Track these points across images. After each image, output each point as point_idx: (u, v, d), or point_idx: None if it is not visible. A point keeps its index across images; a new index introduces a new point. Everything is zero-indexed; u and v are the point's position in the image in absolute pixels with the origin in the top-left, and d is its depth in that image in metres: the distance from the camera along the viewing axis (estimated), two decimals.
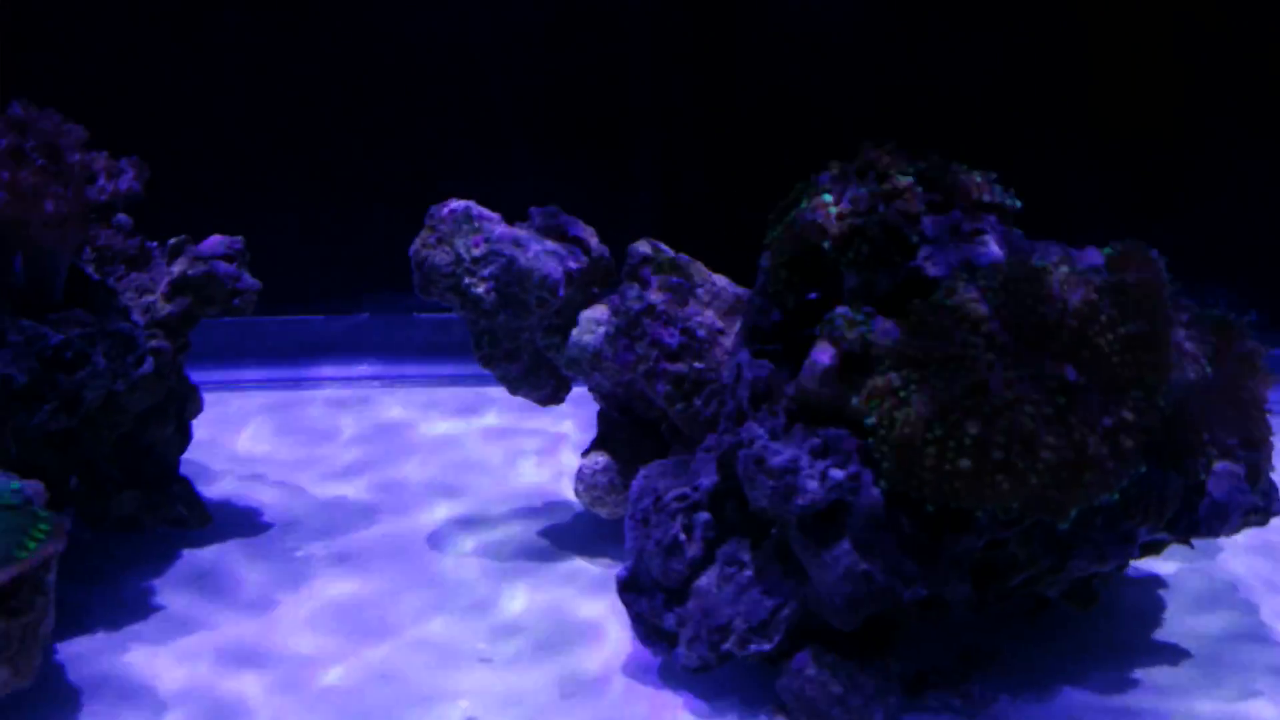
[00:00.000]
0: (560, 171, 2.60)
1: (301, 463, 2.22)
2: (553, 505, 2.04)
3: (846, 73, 2.60)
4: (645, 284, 1.78)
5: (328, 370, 2.59)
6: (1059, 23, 2.53)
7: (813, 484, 1.29)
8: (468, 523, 1.97)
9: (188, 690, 1.50)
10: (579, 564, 1.82)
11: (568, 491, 1.95)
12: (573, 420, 2.34)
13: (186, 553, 1.86)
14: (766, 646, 1.33)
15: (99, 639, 1.61)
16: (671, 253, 1.85)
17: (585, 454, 1.85)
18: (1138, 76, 2.54)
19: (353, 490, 2.09)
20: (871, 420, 1.29)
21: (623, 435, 1.82)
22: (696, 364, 1.68)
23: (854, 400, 1.31)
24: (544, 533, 1.94)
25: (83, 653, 1.57)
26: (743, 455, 1.34)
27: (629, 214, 2.62)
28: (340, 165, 2.62)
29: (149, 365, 1.60)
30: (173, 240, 1.78)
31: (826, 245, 1.39)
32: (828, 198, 1.40)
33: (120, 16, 2.53)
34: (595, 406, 1.91)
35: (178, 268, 1.75)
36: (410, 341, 2.61)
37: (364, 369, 2.57)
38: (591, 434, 1.88)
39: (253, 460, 2.23)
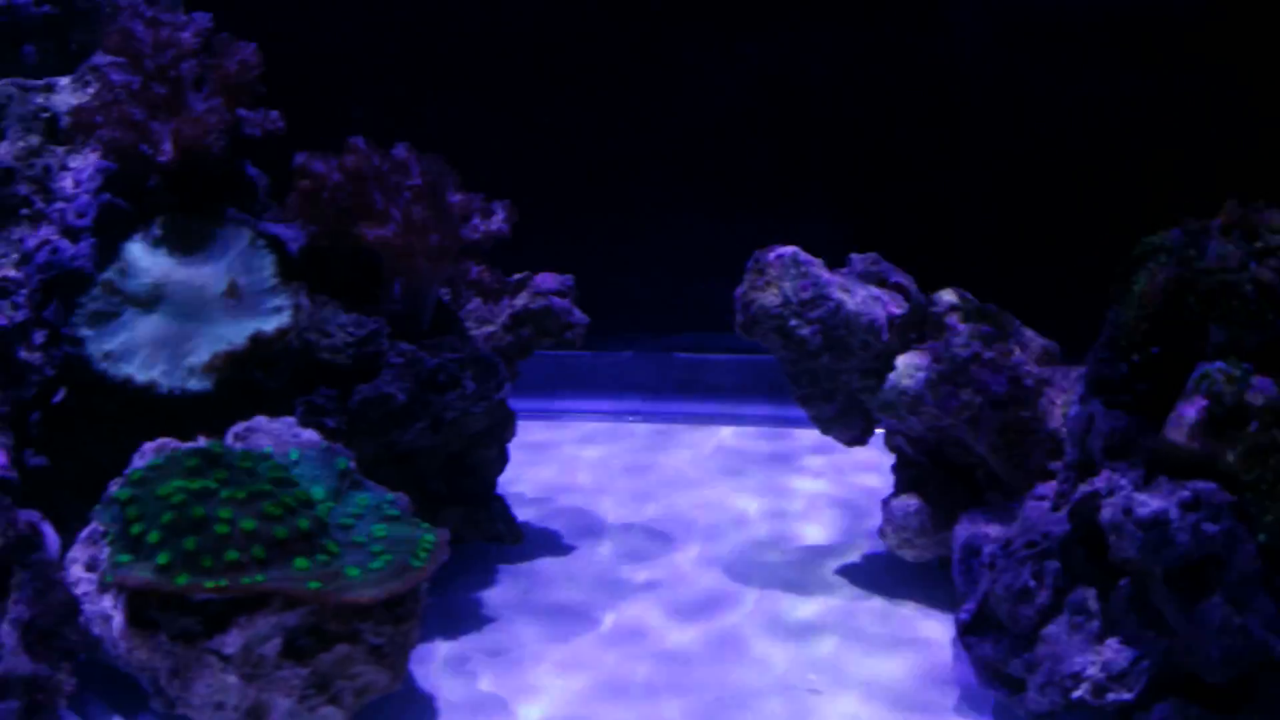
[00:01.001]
0: (837, 216, 2.69)
1: (600, 489, 2.33)
2: (842, 546, 2.08)
3: (1138, 129, 2.58)
4: (954, 331, 1.82)
5: (633, 404, 2.71)
6: None
7: (1184, 536, 1.30)
8: (760, 559, 2.03)
9: (530, 693, 1.60)
10: (878, 603, 1.85)
11: (849, 532, 2.00)
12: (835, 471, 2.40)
13: (504, 568, 1.99)
14: (1127, 696, 1.33)
15: (439, 646, 1.73)
16: (978, 301, 1.89)
17: (890, 497, 1.89)
18: None
19: (650, 518, 2.19)
20: (1250, 476, 1.28)
21: (934, 480, 1.85)
22: (1023, 412, 1.70)
23: (1229, 455, 1.31)
24: (843, 572, 1.98)
25: (425, 657, 1.69)
26: (1107, 505, 1.35)
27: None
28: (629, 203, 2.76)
29: (506, 390, 1.73)
30: (517, 276, 1.92)
31: (1191, 300, 1.40)
32: (1193, 253, 1.41)
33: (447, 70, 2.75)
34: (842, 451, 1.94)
35: (520, 301, 1.89)
36: (709, 381, 2.71)
37: (662, 406, 2.68)
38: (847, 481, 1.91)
39: (556, 484, 2.36)
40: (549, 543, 2.07)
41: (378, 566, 1.41)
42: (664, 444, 2.59)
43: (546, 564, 1.99)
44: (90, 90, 1.94)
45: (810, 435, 2.12)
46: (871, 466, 2.31)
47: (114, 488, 1.62)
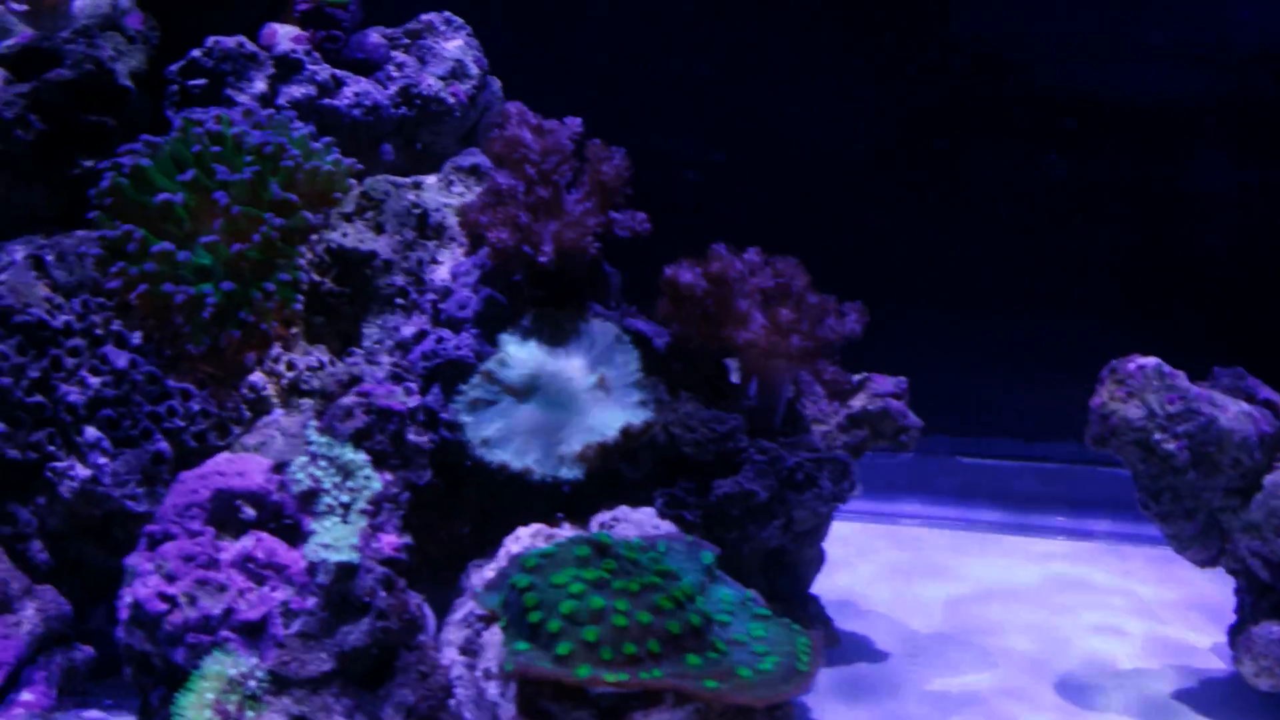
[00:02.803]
0: (1186, 327, 2.62)
1: (908, 595, 2.30)
2: (1172, 670, 1.99)
3: None
4: None
5: (940, 508, 2.69)
6: None
7: None
8: (1094, 681, 1.95)
9: None
10: None
11: (1178, 653, 1.90)
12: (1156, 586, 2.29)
13: (824, 672, 1.98)
14: None
15: None
16: None
17: (1243, 623, 1.79)
18: None
19: (962, 628, 2.14)
20: None
21: None
22: None
23: None
24: (1182, 697, 1.89)
25: None
26: None
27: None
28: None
29: (859, 491, 1.74)
30: (858, 377, 1.94)
31: None
32: None
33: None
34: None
35: (857, 402, 1.90)
36: (1022, 489, 2.66)
37: (973, 513, 2.65)
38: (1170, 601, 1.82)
39: (862, 587, 2.34)
40: (863, 649, 2.05)
41: (766, 668, 1.42)
42: (975, 550, 2.54)
43: (865, 671, 1.97)
44: (456, 189, 2.08)
45: (1129, 550, 2.05)
46: (1190, 584, 2.22)
47: (488, 571, 1.71)
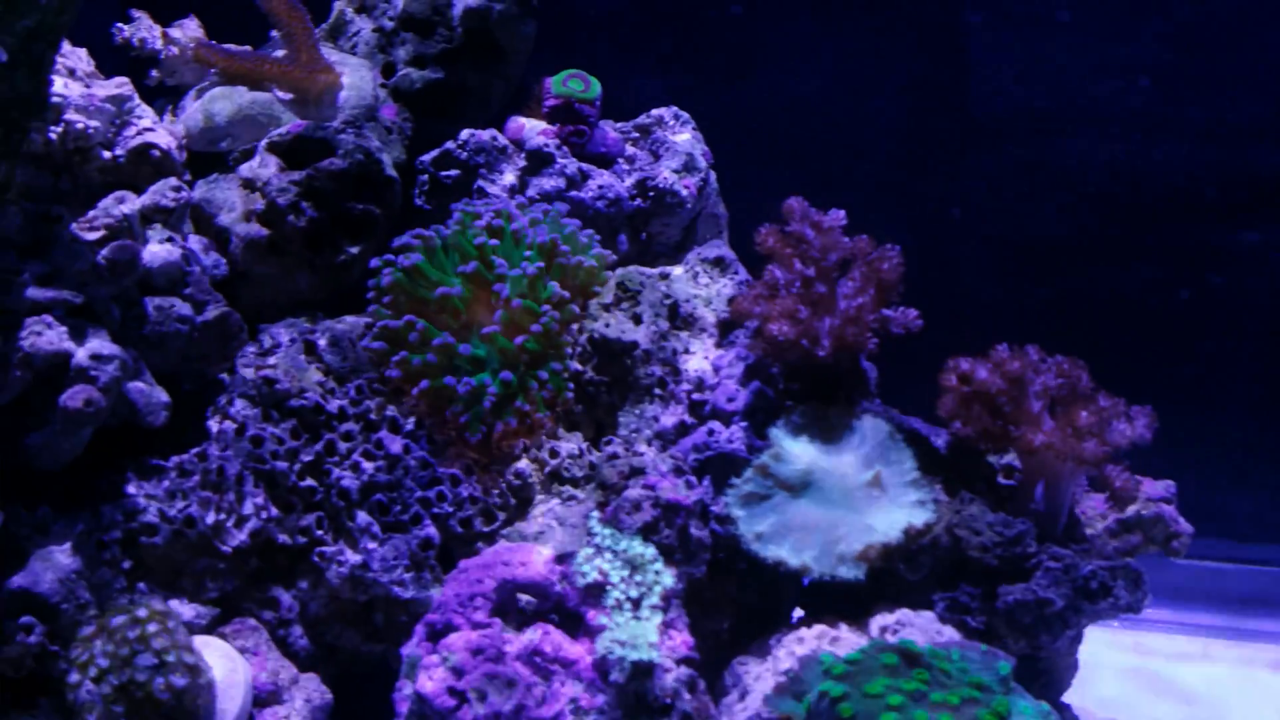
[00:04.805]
0: None
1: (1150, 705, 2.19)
2: None
3: None
4: None
5: (1204, 616, 2.59)
6: None
7: None
8: None
9: None
10: None
11: None
12: None
13: None
14: None
15: None
16: None
17: None
18: None
19: None
20: None
21: None
22: None
23: None
24: None
25: None
26: None
27: None
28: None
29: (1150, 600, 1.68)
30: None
31: None
32: None
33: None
34: None
35: (1131, 507, 1.84)
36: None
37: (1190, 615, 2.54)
38: None
39: (1100, 693, 2.24)
40: None
41: None
42: (1198, 655, 2.42)
43: None
44: (702, 280, 2.08)
45: None
46: None
47: (760, 671, 1.66)
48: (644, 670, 1.52)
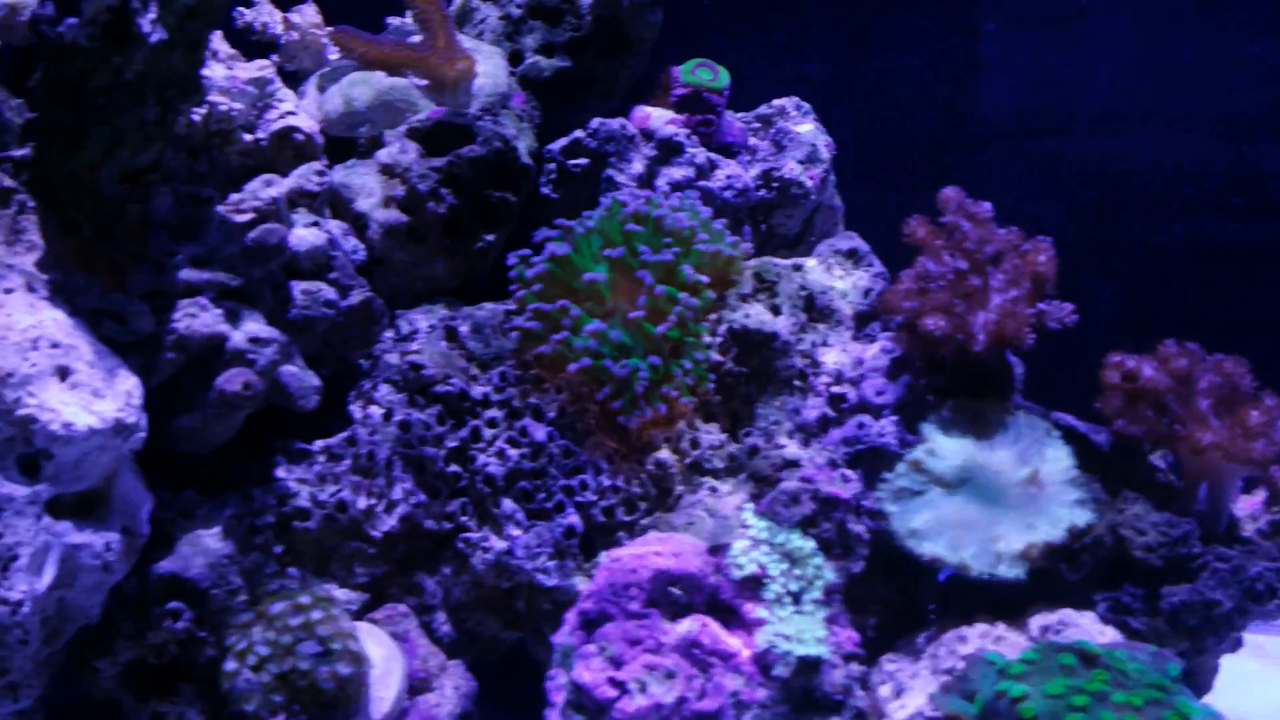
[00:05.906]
0: None
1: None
2: None
3: None
4: None
5: None
6: None
7: None
8: None
9: None
10: None
11: None
12: None
13: None
14: None
15: None
16: None
17: None
18: None
19: None
20: None
21: None
22: None
23: None
24: None
25: None
26: None
27: None
28: None
29: None
30: None
31: None
32: None
33: None
34: None
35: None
36: None
37: None
38: None
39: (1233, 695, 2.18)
40: None
41: None
42: None
43: None
44: (835, 271, 2.05)
45: None
46: None
47: (914, 668, 1.64)
48: (810, 665, 1.50)
